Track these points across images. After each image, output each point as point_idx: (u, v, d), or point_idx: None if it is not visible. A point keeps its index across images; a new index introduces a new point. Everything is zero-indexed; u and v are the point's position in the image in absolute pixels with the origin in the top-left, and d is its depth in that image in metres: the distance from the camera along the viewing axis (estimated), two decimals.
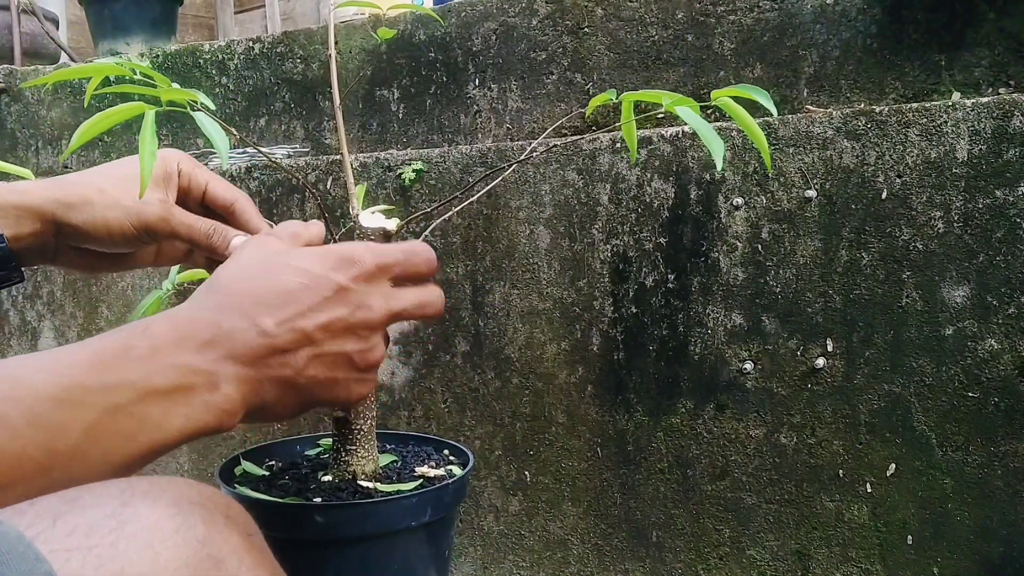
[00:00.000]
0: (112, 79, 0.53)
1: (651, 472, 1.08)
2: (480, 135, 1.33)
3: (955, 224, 0.91)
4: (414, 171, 1.22)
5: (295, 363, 0.51)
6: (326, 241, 0.62)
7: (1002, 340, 0.90)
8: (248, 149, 1.42)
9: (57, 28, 2.84)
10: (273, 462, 0.80)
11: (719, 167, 0.60)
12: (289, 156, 1.44)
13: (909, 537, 0.95)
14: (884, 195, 0.95)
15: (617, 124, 0.75)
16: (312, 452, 0.83)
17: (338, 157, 1.32)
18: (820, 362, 0.98)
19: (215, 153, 0.70)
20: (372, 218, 0.68)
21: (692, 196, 1.05)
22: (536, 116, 1.28)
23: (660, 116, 1.13)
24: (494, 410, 1.18)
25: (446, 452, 0.82)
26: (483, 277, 1.18)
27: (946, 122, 0.91)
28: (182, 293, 0.68)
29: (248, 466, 0.77)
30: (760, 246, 1.01)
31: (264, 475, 0.76)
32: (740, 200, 1.02)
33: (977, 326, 0.91)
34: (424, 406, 1.24)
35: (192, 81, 1.59)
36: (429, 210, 0.77)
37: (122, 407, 0.44)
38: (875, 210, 0.95)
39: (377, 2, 0.77)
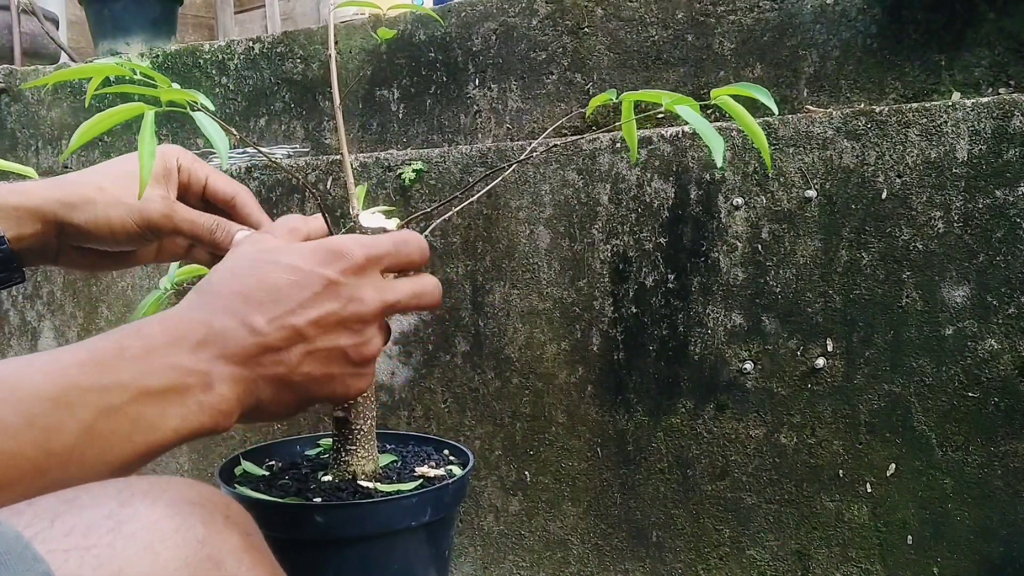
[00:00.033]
0: (112, 79, 0.53)
1: (651, 472, 1.08)
2: (480, 135, 1.33)
3: (955, 224, 0.91)
4: (414, 171, 1.22)
5: (288, 361, 0.51)
6: None
7: (1002, 340, 0.90)
8: (248, 149, 1.42)
9: (57, 28, 2.84)
10: (273, 462, 0.80)
11: (719, 164, 0.60)
12: (289, 156, 1.44)
13: (909, 537, 0.95)
14: (884, 195, 0.95)
15: (617, 124, 0.75)
16: (312, 452, 0.83)
17: (338, 157, 1.32)
18: (820, 362, 0.98)
19: (215, 153, 0.70)
20: (372, 218, 0.68)
21: (692, 196, 1.05)
22: (536, 116, 1.28)
23: (660, 116, 1.13)
24: (494, 410, 1.18)
25: (446, 452, 0.82)
26: (483, 277, 1.18)
27: (946, 122, 0.91)
28: (181, 293, 0.68)
29: (248, 466, 0.77)
30: (760, 246, 1.01)
31: (264, 475, 0.76)
32: (740, 200, 1.02)
33: (977, 326, 0.91)
34: (424, 406, 1.24)
35: (192, 81, 1.59)
36: (429, 210, 0.77)
37: (117, 408, 0.44)
38: (875, 210, 0.95)
39: (377, 2, 0.76)
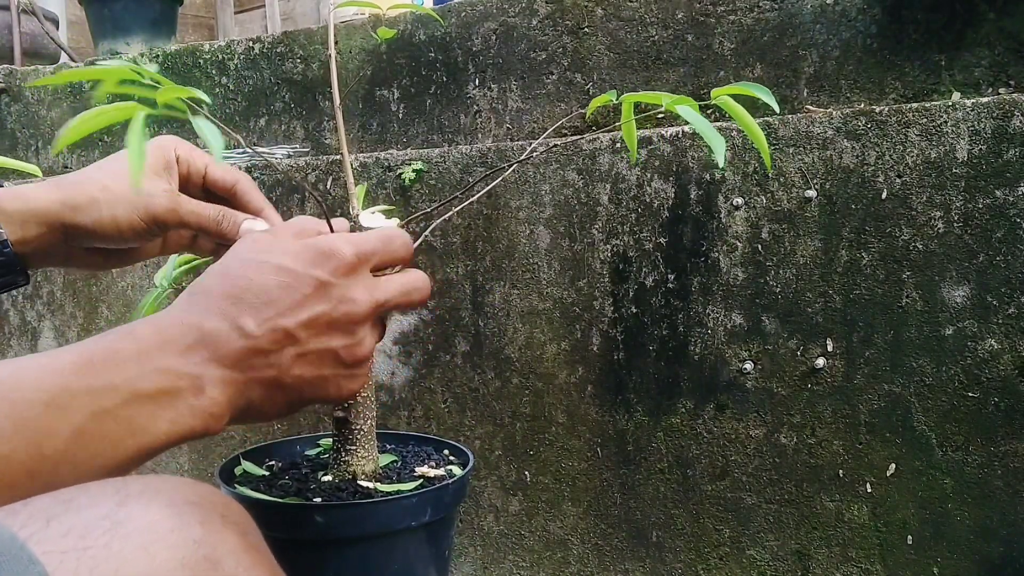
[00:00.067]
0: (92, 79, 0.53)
1: (651, 472, 1.08)
2: (480, 135, 1.33)
3: (955, 224, 0.91)
4: (414, 171, 1.22)
5: (280, 363, 0.51)
6: None
7: (1002, 340, 0.90)
8: (247, 149, 1.42)
9: (57, 28, 2.84)
10: (273, 462, 0.80)
11: (720, 164, 0.60)
12: (289, 156, 1.44)
13: (909, 537, 0.95)
14: (884, 195, 0.95)
15: (617, 124, 0.75)
16: (312, 452, 0.83)
17: (338, 157, 1.32)
18: (820, 362, 0.98)
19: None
20: (372, 218, 0.68)
21: (692, 196, 1.05)
22: (536, 116, 1.28)
23: (660, 116, 1.13)
24: (494, 410, 1.18)
25: (446, 452, 0.82)
26: (483, 277, 1.18)
27: (946, 122, 0.91)
28: (180, 290, 0.68)
29: (248, 466, 0.77)
30: (760, 246, 1.01)
31: (264, 475, 0.76)
32: (740, 200, 1.02)
33: (977, 326, 0.91)
34: (424, 406, 1.24)
35: (192, 81, 1.59)
36: (429, 210, 0.77)
37: (109, 411, 0.44)
38: (875, 210, 0.95)
39: (377, 2, 0.76)
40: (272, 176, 1.35)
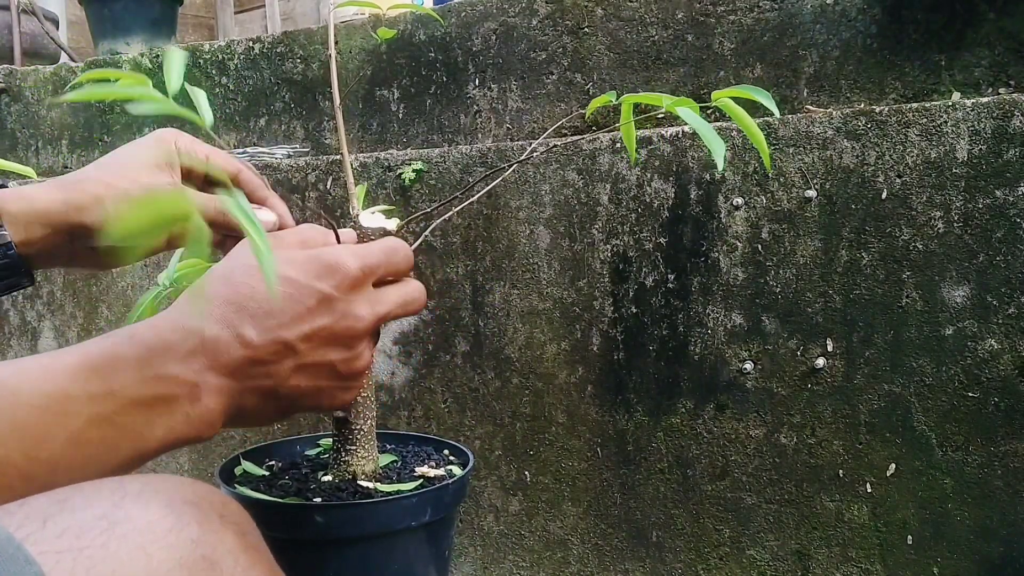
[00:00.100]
0: (114, 80, 0.53)
1: (651, 472, 1.08)
2: (480, 135, 1.33)
3: (955, 224, 0.91)
4: (414, 171, 1.22)
5: (277, 373, 0.50)
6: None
7: (1002, 340, 0.90)
8: (247, 149, 1.42)
9: (57, 28, 2.84)
10: (273, 462, 0.80)
11: (720, 167, 0.60)
12: (289, 156, 1.44)
13: (909, 537, 0.95)
14: (884, 195, 0.95)
15: (617, 124, 0.75)
16: (312, 452, 0.83)
17: (338, 157, 1.32)
18: (820, 362, 0.98)
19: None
20: (372, 218, 0.68)
21: (692, 196, 1.05)
22: (536, 116, 1.28)
23: (660, 116, 1.13)
24: (494, 410, 1.18)
25: (446, 452, 0.82)
26: (483, 277, 1.18)
27: (946, 122, 0.91)
28: (180, 292, 0.68)
29: (248, 466, 0.77)
30: (760, 246, 1.01)
31: (264, 475, 0.76)
32: (740, 200, 1.02)
33: (977, 326, 0.91)
34: (424, 406, 1.24)
35: (192, 81, 1.59)
36: (429, 210, 0.77)
37: (106, 417, 0.44)
38: (875, 210, 0.95)
39: (377, 2, 0.76)
40: (272, 176, 1.35)
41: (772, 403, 1.01)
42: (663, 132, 1.07)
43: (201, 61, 1.59)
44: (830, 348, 0.98)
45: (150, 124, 1.62)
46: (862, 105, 1.05)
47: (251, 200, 0.70)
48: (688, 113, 0.60)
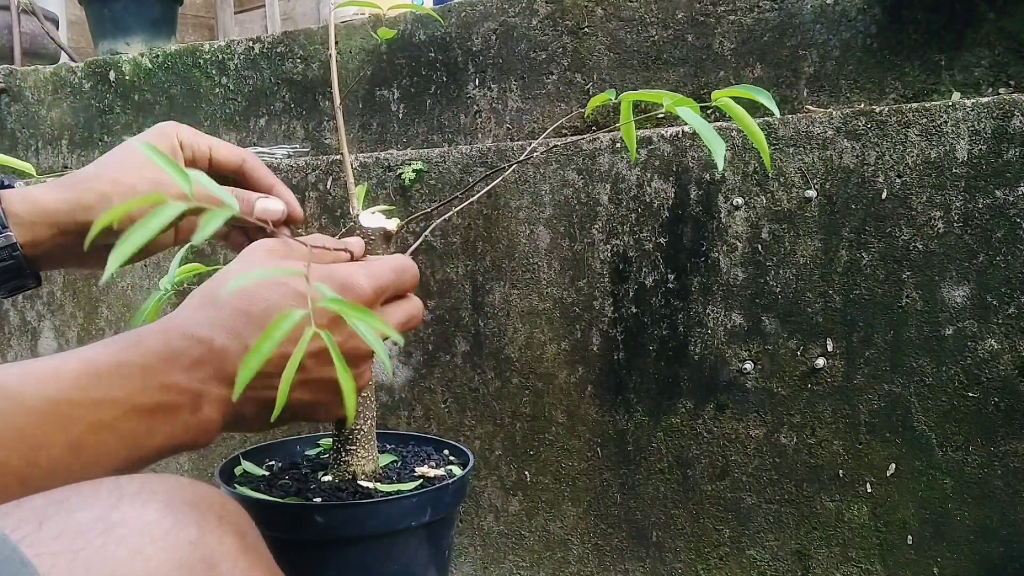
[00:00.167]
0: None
1: (651, 472, 1.08)
2: (480, 135, 1.33)
3: (955, 224, 0.91)
4: (414, 171, 1.22)
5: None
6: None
7: (1002, 340, 0.90)
8: (247, 149, 1.42)
9: (57, 28, 2.84)
10: (273, 462, 0.80)
11: (720, 167, 0.60)
12: (289, 156, 1.44)
13: (909, 537, 0.95)
14: (884, 195, 0.95)
15: (617, 124, 0.75)
16: (312, 452, 0.83)
17: (338, 157, 1.32)
18: (820, 362, 0.98)
19: None
20: (372, 218, 0.68)
21: (692, 196, 1.05)
22: (536, 116, 1.28)
23: (660, 116, 1.13)
24: (494, 410, 1.18)
25: (446, 452, 0.82)
26: (483, 277, 1.18)
27: (946, 122, 0.91)
28: (182, 293, 0.68)
29: (248, 466, 0.77)
30: (760, 246, 1.01)
31: (264, 475, 0.76)
32: (740, 200, 1.02)
33: (977, 326, 0.91)
34: (424, 406, 1.24)
35: (192, 81, 1.59)
36: (429, 210, 0.77)
37: (107, 423, 0.44)
38: (875, 210, 0.95)
39: (377, 2, 0.76)
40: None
41: (772, 403, 1.01)
42: (663, 132, 1.07)
43: (201, 61, 1.59)
44: (830, 348, 0.98)
45: (150, 124, 1.62)
46: (862, 105, 1.05)
47: (258, 189, 0.70)
48: (688, 113, 0.60)
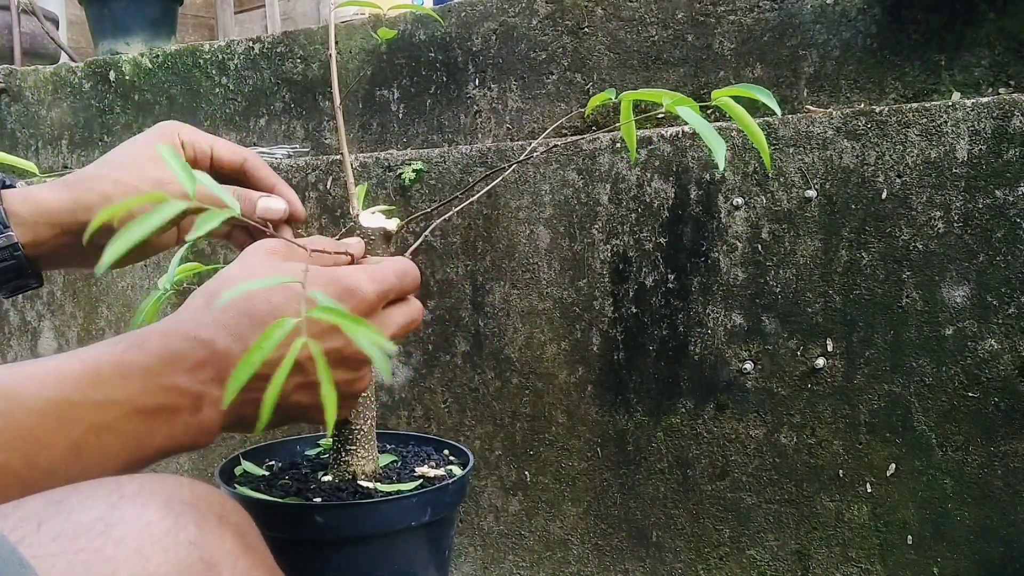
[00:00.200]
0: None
1: (651, 472, 1.08)
2: (480, 135, 1.33)
3: (955, 224, 0.91)
4: (414, 171, 1.22)
5: (283, 389, 0.50)
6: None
7: (1002, 340, 0.90)
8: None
9: (57, 28, 2.84)
10: (273, 462, 0.80)
11: (721, 167, 0.60)
12: (289, 156, 1.44)
13: (909, 537, 0.95)
14: (884, 195, 0.95)
15: (617, 124, 0.75)
16: (312, 452, 0.83)
17: (338, 157, 1.32)
18: (820, 362, 0.98)
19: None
20: (372, 218, 0.68)
21: (692, 196, 1.05)
22: (536, 116, 1.28)
23: (660, 116, 1.13)
24: (494, 410, 1.18)
25: (446, 452, 0.82)
26: (483, 277, 1.18)
27: (946, 122, 0.91)
28: (183, 293, 0.68)
29: (248, 466, 0.77)
30: (760, 246, 1.01)
31: (264, 475, 0.76)
32: (740, 200, 1.02)
33: (977, 326, 0.91)
34: (424, 406, 1.24)
35: (192, 81, 1.59)
36: (429, 210, 0.77)
37: (107, 425, 0.44)
38: (875, 210, 0.95)
39: (377, 2, 0.76)
40: None
41: (772, 403, 1.01)
42: (663, 132, 1.07)
43: (201, 61, 1.59)
44: (830, 348, 0.98)
45: (150, 124, 1.62)
46: (862, 105, 1.05)
47: (260, 188, 0.70)
48: (688, 112, 0.60)
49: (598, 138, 1.10)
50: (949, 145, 0.91)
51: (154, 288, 0.80)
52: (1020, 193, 0.88)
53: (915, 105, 0.94)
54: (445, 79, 1.35)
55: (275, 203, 0.69)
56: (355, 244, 0.63)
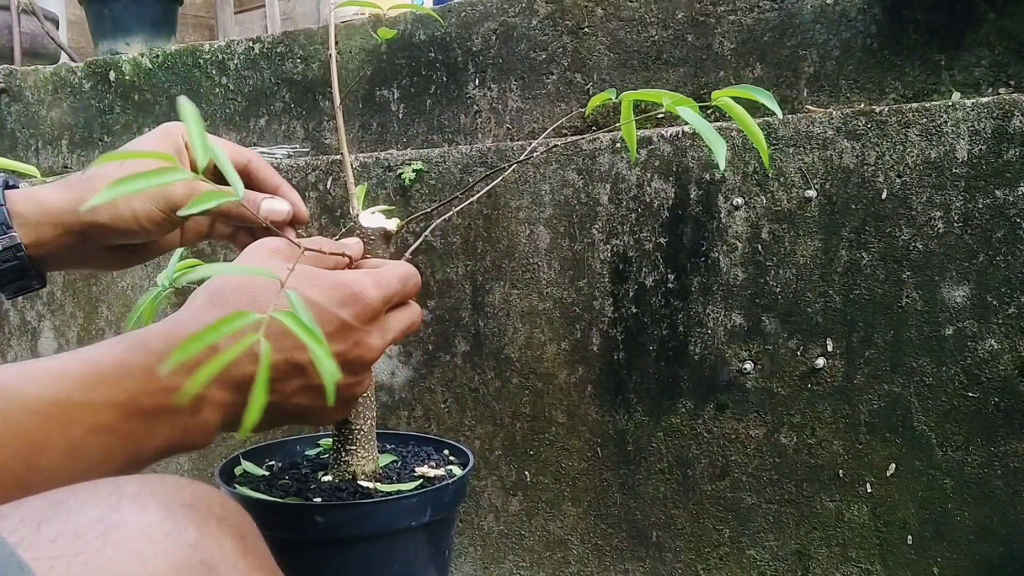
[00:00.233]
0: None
1: (651, 472, 1.08)
2: (480, 135, 1.33)
3: (955, 224, 0.91)
4: (414, 171, 1.22)
5: (283, 391, 0.50)
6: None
7: (1002, 340, 0.90)
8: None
9: (57, 28, 2.84)
10: (273, 462, 0.80)
11: (722, 167, 0.60)
12: (289, 156, 1.44)
13: (909, 537, 0.95)
14: (884, 195, 0.95)
15: (617, 124, 0.75)
16: (312, 452, 0.83)
17: (338, 157, 1.32)
18: (820, 362, 0.98)
19: None
20: (372, 218, 0.68)
21: (692, 196, 1.05)
22: (536, 116, 1.28)
23: (660, 116, 1.13)
24: (494, 410, 1.18)
25: (446, 452, 0.82)
26: (483, 277, 1.18)
27: (946, 122, 0.91)
28: (183, 292, 0.68)
29: (248, 466, 0.77)
30: (760, 246, 1.01)
31: (264, 475, 0.76)
32: (740, 200, 1.02)
33: (977, 326, 0.91)
34: (424, 406, 1.24)
35: (192, 81, 1.59)
36: (429, 210, 0.77)
37: (107, 426, 0.44)
38: (875, 210, 0.95)
39: (377, 2, 0.76)
40: None
41: (772, 403, 1.01)
42: (663, 132, 1.07)
43: (201, 61, 1.59)
44: (830, 348, 0.98)
45: (150, 124, 1.62)
46: (862, 105, 1.05)
47: (263, 189, 0.70)
48: (688, 112, 0.60)
49: (598, 138, 1.10)
50: (949, 145, 0.91)
51: (153, 286, 0.80)
52: (1020, 193, 0.88)
53: (915, 105, 0.94)
54: (445, 79, 1.35)
55: (279, 205, 0.69)
56: (354, 245, 0.63)
